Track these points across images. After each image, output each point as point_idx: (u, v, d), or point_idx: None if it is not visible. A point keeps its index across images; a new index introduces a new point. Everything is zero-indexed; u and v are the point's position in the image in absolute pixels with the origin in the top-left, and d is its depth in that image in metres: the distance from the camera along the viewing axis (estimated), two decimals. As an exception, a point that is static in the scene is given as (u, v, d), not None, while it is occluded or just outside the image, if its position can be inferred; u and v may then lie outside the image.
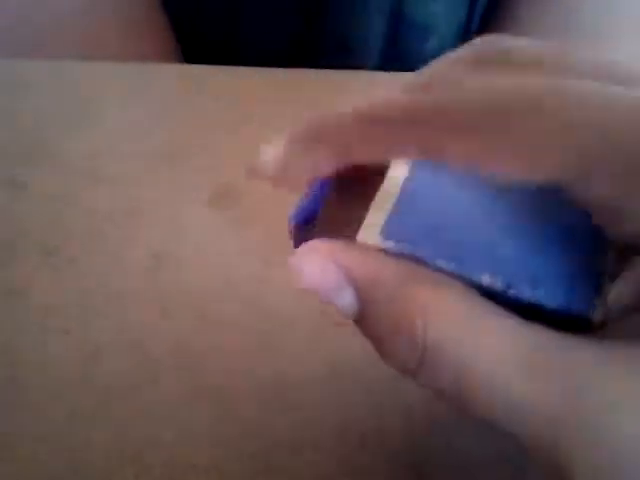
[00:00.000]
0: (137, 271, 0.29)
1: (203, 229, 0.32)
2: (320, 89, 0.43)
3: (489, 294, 0.16)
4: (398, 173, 0.19)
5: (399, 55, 0.55)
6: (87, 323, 0.26)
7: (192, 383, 0.24)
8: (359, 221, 0.19)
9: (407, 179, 0.19)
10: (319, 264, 0.16)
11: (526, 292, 0.16)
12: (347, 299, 0.16)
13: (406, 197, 0.19)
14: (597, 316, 0.16)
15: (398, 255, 0.18)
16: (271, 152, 0.19)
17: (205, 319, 0.27)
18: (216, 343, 0.26)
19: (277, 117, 0.38)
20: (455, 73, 0.17)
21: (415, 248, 0.17)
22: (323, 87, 0.43)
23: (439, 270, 0.17)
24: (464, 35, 0.57)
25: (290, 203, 0.31)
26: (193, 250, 0.30)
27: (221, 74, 0.44)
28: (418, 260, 0.17)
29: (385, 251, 0.18)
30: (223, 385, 0.24)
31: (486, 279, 0.16)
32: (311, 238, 0.18)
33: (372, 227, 0.18)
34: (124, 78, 0.44)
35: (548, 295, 0.16)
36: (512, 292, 0.16)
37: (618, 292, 0.17)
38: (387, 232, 0.18)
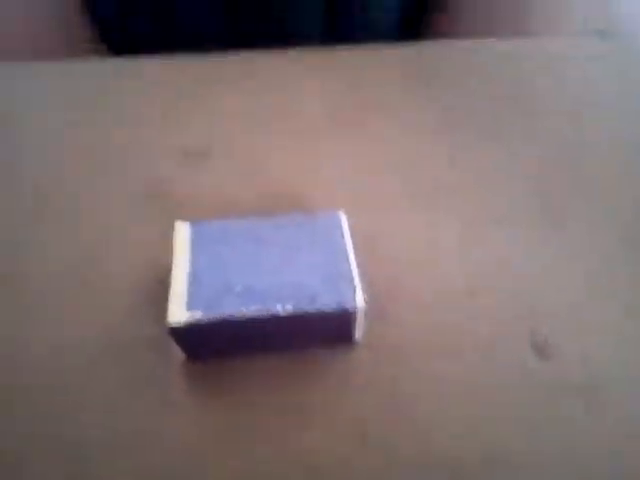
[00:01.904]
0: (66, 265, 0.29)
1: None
2: (255, 70, 0.43)
3: (283, 316, 0.22)
4: (182, 261, 0.24)
5: (342, 22, 0.54)
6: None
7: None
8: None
9: (191, 261, 0.24)
10: None
11: (309, 307, 0.22)
12: None
13: (195, 273, 0.23)
14: (359, 304, 0.22)
15: (209, 321, 0.22)
16: None
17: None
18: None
19: (211, 104, 0.39)
20: None
21: (220, 311, 0.22)
22: (258, 68, 0.44)
23: (245, 315, 0.22)
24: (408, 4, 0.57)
25: (220, 191, 0.33)
26: (124, 242, 0.30)
27: (151, 64, 0.44)
28: (226, 317, 0.22)
29: (197, 322, 0.22)
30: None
31: (279, 308, 0.22)
32: None
33: (177, 309, 0.22)
34: (49, 76, 0.43)
35: (325, 305, 0.22)
36: (299, 310, 0.22)
37: None
38: (192, 307, 0.22)
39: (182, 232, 0.26)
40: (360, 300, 0.23)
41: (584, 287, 0.28)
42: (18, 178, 0.34)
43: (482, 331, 0.26)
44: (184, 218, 0.31)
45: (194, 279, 0.24)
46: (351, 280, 0.24)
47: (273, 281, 0.23)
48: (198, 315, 0.22)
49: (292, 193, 0.33)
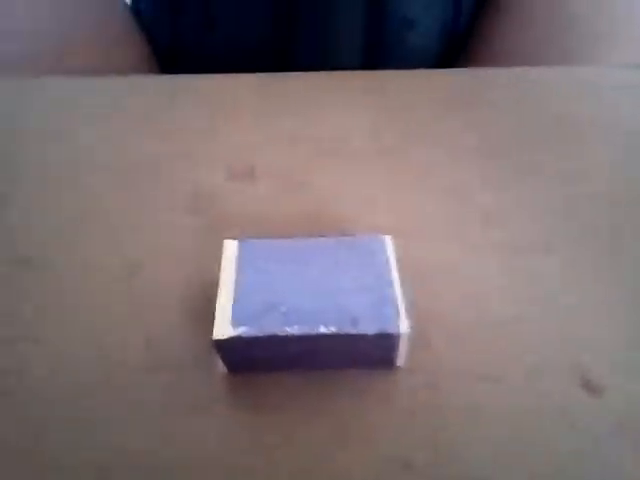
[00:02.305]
0: (112, 279, 0.30)
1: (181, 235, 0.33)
2: (302, 91, 0.45)
3: (325, 337, 0.22)
4: (229, 277, 0.25)
5: (381, 52, 0.55)
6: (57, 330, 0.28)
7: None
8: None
9: (238, 278, 0.24)
10: None
11: (351, 329, 0.22)
12: None
13: (242, 290, 0.24)
14: (403, 330, 0.22)
15: (252, 336, 0.22)
16: None
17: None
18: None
19: (258, 122, 0.41)
20: None
21: (264, 328, 0.22)
22: (305, 89, 0.45)
23: (288, 334, 0.22)
24: (450, 33, 0.56)
25: (264, 207, 0.34)
26: (171, 257, 0.31)
27: (199, 82, 0.46)
28: (269, 334, 0.22)
29: (240, 337, 0.22)
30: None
31: (322, 329, 0.22)
32: None
33: (223, 323, 0.23)
34: (105, 92, 0.46)
35: (368, 328, 0.22)
36: (341, 332, 0.22)
37: None
38: (236, 322, 0.23)
39: (230, 249, 0.26)
40: (404, 326, 0.23)
41: (637, 324, 0.27)
42: (68, 188, 0.36)
43: (527, 360, 0.26)
44: (229, 235, 0.32)
45: (240, 296, 0.24)
46: (396, 305, 0.24)
47: (317, 302, 0.24)
48: (242, 330, 0.23)
49: (335, 215, 0.33)
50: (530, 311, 0.28)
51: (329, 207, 0.34)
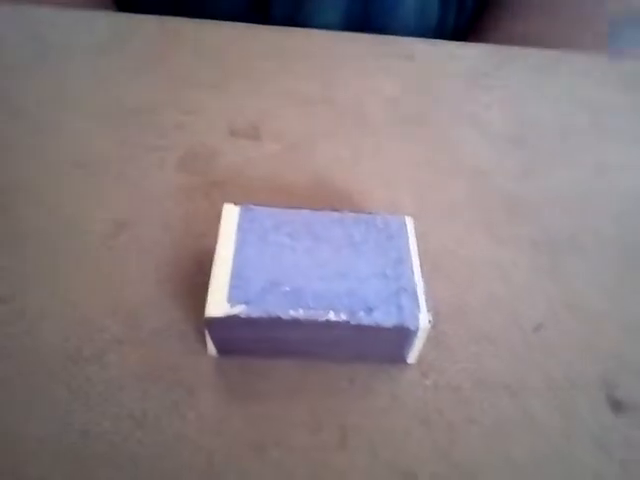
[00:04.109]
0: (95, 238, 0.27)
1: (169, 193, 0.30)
2: (322, 51, 0.41)
3: (334, 324, 0.19)
4: (227, 248, 0.21)
5: (367, 16, 0.51)
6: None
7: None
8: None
9: (237, 250, 0.21)
10: None
11: (365, 319, 0.19)
12: None
13: (241, 263, 0.21)
14: (423, 324, 0.20)
15: (250, 317, 0.19)
16: None
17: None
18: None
19: (269, 80, 0.37)
20: None
21: (263, 308, 0.19)
22: (325, 49, 0.42)
23: (291, 318, 0.19)
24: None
25: (267, 171, 0.31)
26: (159, 218, 0.28)
27: (205, 30, 0.42)
28: (270, 316, 0.19)
29: (236, 317, 0.19)
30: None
31: (332, 316, 0.19)
32: None
33: (218, 300, 0.19)
34: (101, 28, 0.42)
35: (383, 319, 0.19)
36: (353, 321, 0.19)
37: None
38: (233, 300, 0.19)
39: (230, 215, 0.23)
40: (425, 320, 0.20)
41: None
42: (51, 131, 0.32)
43: (549, 371, 0.23)
44: (228, 196, 0.28)
45: (238, 270, 0.21)
46: (415, 295, 0.21)
47: (327, 284, 0.21)
48: (239, 309, 0.20)
49: (346, 187, 0.30)
50: (557, 317, 0.25)
51: (340, 178, 0.31)
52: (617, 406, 0.22)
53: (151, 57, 0.39)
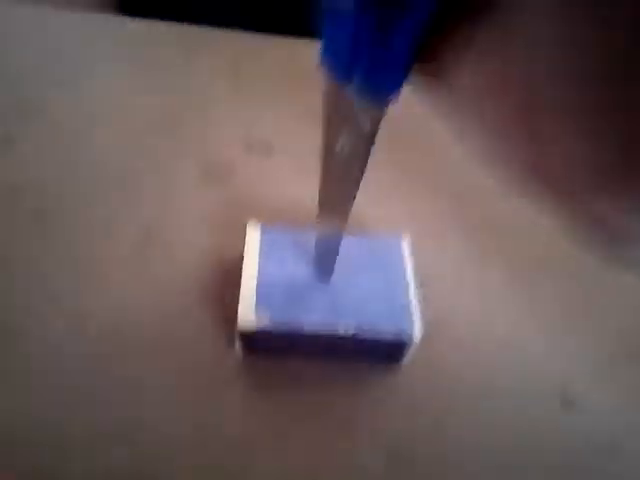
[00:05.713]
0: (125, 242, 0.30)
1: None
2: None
3: (340, 338, 0.24)
4: (252, 263, 0.25)
5: None
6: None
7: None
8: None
9: (260, 265, 0.25)
10: None
11: (369, 334, 0.23)
12: None
13: (265, 280, 0.25)
14: (416, 338, 0.24)
15: (275, 327, 0.23)
16: None
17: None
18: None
19: (283, 94, 0.40)
20: None
21: (287, 319, 0.23)
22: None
23: (307, 332, 0.23)
24: None
25: (283, 183, 0.34)
26: (185, 227, 0.32)
27: (220, 38, 0.44)
28: (291, 327, 0.23)
29: (264, 329, 0.23)
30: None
31: (341, 330, 0.23)
32: None
33: (247, 311, 0.23)
34: (121, 34, 0.43)
35: (384, 332, 0.24)
36: (358, 336, 0.23)
37: None
38: (261, 314, 0.23)
39: (253, 234, 0.27)
40: (418, 333, 0.24)
41: (616, 344, 0.29)
42: (85, 148, 0.35)
43: (516, 375, 0.28)
44: (245, 210, 0.32)
45: (263, 286, 0.25)
46: (410, 312, 0.25)
47: (336, 300, 0.25)
48: (266, 320, 0.24)
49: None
50: (522, 329, 0.30)
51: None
52: (569, 406, 0.27)
53: (167, 66, 0.42)
